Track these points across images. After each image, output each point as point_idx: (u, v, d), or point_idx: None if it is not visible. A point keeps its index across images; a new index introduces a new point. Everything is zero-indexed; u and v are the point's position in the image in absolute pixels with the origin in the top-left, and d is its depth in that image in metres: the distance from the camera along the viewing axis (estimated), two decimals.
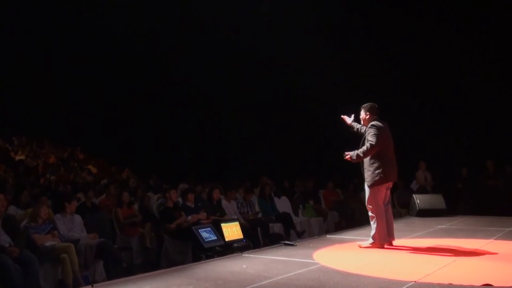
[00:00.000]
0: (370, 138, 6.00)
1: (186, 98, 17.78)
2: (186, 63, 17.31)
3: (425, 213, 9.90)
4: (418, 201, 10.10)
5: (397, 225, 8.68)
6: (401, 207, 12.14)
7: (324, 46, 14.01)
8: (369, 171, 6.09)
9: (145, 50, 18.29)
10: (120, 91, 19.00)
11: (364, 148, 6.03)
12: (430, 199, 10.32)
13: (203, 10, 16.12)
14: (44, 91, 18.93)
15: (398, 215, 11.54)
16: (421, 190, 11.87)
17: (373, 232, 6.12)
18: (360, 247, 6.18)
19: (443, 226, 8.39)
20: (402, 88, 12.98)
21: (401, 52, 13.15)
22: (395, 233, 7.37)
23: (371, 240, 6.13)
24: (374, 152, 6.02)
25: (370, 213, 6.19)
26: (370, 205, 6.16)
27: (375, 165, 6.02)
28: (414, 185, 12.43)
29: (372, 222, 6.16)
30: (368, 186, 6.13)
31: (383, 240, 6.09)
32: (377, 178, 6.01)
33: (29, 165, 14.72)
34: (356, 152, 6.09)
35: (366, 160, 6.10)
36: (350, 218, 11.59)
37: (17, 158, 15.78)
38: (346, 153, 6.17)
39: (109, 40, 18.49)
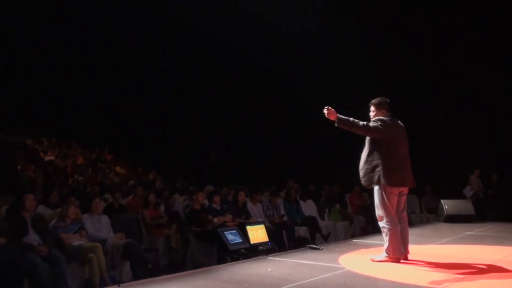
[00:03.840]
0: (371, 123, 5.45)
1: (212, 102, 17.87)
2: (212, 68, 17.41)
3: (453, 219, 9.76)
4: (446, 207, 9.96)
5: (425, 231, 8.61)
6: (429, 212, 12.03)
7: (350, 49, 13.96)
8: (366, 169, 5.48)
9: (172, 55, 18.44)
10: (148, 95, 19.21)
11: (362, 123, 5.38)
12: (458, 205, 10.16)
13: (226, 23, 16.26)
14: (73, 93, 19.25)
15: (426, 221, 11.43)
16: (475, 196, 11.68)
17: (386, 245, 5.48)
18: (373, 261, 5.56)
19: (472, 233, 8.24)
20: (431, 91, 12.86)
21: (450, 57, 12.99)
22: (422, 239, 7.30)
23: (385, 254, 5.49)
24: (367, 134, 5.42)
25: (380, 224, 5.56)
26: (380, 214, 5.53)
27: (374, 162, 5.40)
28: (467, 191, 12.18)
29: (384, 234, 5.53)
30: (365, 186, 5.54)
31: (399, 253, 5.44)
32: (376, 178, 5.37)
33: (58, 165, 14.96)
34: (350, 118, 5.40)
35: (363, 157, 5.52)
36: (376, 223, 11.48)
37: (47, 158, 16.05)
38: (330, 109, 5.41)
39: (138, 45, 18.70)
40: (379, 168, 5.37)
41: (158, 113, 19.14)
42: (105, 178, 14.33)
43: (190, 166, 17.52)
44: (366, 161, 5.50)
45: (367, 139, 5.57)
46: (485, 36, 12.61)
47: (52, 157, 16.32)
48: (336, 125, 5.47)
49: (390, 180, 5.37)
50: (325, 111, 5.46)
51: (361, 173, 5.55)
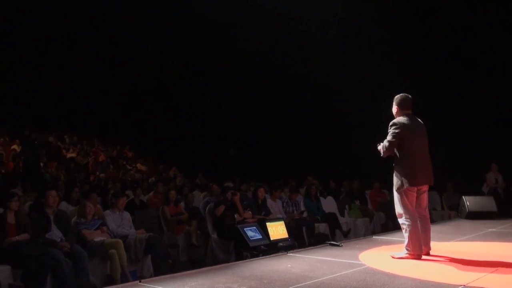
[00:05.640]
0: (388, 137, 5.51)
1: (232, 98, 17.90)
2: (230, 65, 17.44)
3: (475, 215, 9.64)
4: (468, 203, 9.84)
5: (446, 228, 8.53)
6: (450, 209, 11.91)
7: (371, 46, 13.88)
8: (395, 174, 5.56)
9: (192, 52, 18.52)
10: (168, 92, 19.31)
11: (380, 146, 5.58)
12: (480, 201, 10.04)
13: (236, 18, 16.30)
14: (95, 91, 19.43)
15: (447, 217, 11.33)
16: (492, 193, 11.54)
17: (406, 242, 5.51)
18: (393, 258, 5.58)
19: (494, 230, 8.14)
20: (456, 85, 12.75)
21: (467, 51, 12.83)
22: (443, 235, 7.24)
23: (405, 251, 5.53)
24: (391, 151, 5.51)
25: (400, 221, 5.61)
26: (399, 211, 5.59)
27: (399, 167, 5.50)
28: (484, 188, 12.08)
29: (403, 231, 5.57)
30: (395, 190, 5.59)
31: (418, 249, 5.46)
32: (401, 181, 5.45)
33: (79, 162, 15.13)
34: (380, 148, 5.60)
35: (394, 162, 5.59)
36: (396, 219, 11.40)
37: (69, 155, 16.24)
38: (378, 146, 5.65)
39: (158, 43, 18.82)
40: (404, 172, 5.46)
41: (178, 111, 19.22)
42: (126, 175, 14.45)
43: (210, 163, 17.58)
44: (394, 166, 5.62)
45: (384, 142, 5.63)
46: (503, 28, 12.45)
47: (73, 154, 16.51)
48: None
49: (414, 182, 5.46)
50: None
51: (393, 179, 5.65)
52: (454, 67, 12.94)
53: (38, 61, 18.77)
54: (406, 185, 5.42)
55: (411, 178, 5.42)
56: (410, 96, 5.70)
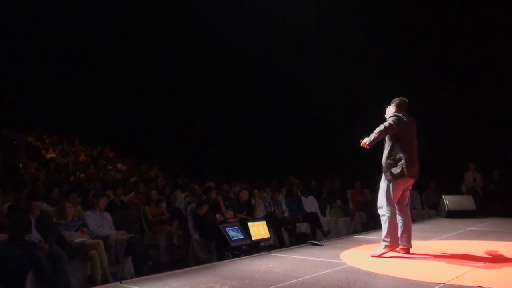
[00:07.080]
0: (387, 122, 5.66)
1: (213, 99, 17.86)
2: (212, 64, 17.40)
3: (454, 214, 9.76)
4: (448, 202, 9.96)
5: (426, 226, 8.62)
6: (430, 208, 12.02)
7: (353, 44, 13.93)
8: (389, 164, 5.61)
9: (172, 53, 18.44)
10: (149, 92, 19.21)
11: (379, 128, 5.60)
12: (460, 200, 10.16)
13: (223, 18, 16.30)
14: (75, 90, 19.25)
15: (427, 216, 11.43)
16: (470, 192, 11.70)
17: (384, 233, 5.67)
18: (373, 256, 5.66)
19: (473, 228, 8.25)
20: (440, 86, 12.87)
21: (447, 53, 12.97)
22: (423, 234, 7.32)
23: (383, 244, 5.66)
24: (384, 135, 5.62)
25: (380, 213, 5.75)
26: (381, 202, 5.71)
27: (397, 156, 5.56)
28: (464, 187, 12.25)
29: (382, 222, 5.72)
30: (388, 180, 5.62)
31: (396, 242, 5.65)
32: (399, 170, 5.51)
33: (59, 162, 14.94)
34: (372, 134, 5.62)
35: (386, 153, 5.67)
36: (377, 219, 11.47)
37: (48, 156, 16.03)
38: (362, 141, 5.67)
39: (140, 42, 18.72)
40: (402, 162, 5.57)
41: (159, 111, 19.11)
42: (107, 175, 14.34)
43: (192, 163, 17.52)
44: (389, 157, 5.67)
45: (387, 136, 5.75)
46: (480, 26, 12.62)
47: (53, 154, 16.31)
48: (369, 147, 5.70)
49: (410, 173, 5.59)
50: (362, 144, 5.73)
51: (384, 168, 5.71)
52: (434, 69, 13.05)
53: (16, 60, 18.53)
54: (406, 173, 5.52)
55: (410, 169, 5.56)
56: (407, 100, 5.91)
